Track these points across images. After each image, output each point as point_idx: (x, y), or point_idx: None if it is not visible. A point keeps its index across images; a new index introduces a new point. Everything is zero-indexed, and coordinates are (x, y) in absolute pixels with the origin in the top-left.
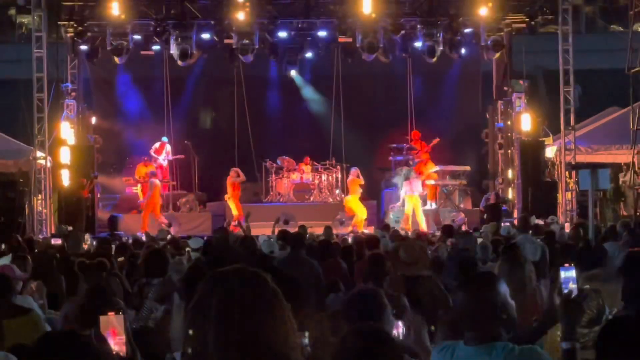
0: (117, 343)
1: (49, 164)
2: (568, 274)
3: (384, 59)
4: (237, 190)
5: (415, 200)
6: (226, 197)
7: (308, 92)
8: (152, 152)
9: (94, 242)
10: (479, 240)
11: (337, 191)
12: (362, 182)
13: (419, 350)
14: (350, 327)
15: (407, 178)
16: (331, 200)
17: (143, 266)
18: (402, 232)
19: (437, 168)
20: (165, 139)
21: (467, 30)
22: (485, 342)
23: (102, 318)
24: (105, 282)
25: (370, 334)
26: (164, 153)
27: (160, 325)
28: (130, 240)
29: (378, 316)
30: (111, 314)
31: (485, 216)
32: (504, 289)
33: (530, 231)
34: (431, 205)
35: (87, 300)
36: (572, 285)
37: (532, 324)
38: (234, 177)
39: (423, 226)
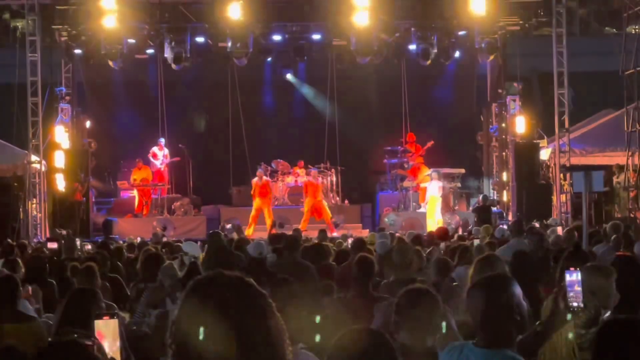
0: (111, 348)
1: (43, 168)
2: (573, 278)
3: (378, 62)
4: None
5: (431, 200)
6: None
7: (303, 95)
8: (149, 157)
9: (85, 247)
10: (476, 242)
11: (332, 194)
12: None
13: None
14: (348, 328)
15: (431, 179)
16: (326, 203)
17: (141, 270)
18: (397, 235)
19: (430, 171)
20: (162, 140)
21: (461, 33)
22: (496, 347)
23: (96, 322)
24: (101, 285)
25: (366, 336)
26: (161, 157)
27: (154, 329)
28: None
29: (431, 315)
30: (106, 317)
31: (475, 219)
32: (518, 290)
33: (525, 235)
34: (425, 208)
35: (70, 302)
36: (578, 289)
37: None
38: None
39: (428, 227)
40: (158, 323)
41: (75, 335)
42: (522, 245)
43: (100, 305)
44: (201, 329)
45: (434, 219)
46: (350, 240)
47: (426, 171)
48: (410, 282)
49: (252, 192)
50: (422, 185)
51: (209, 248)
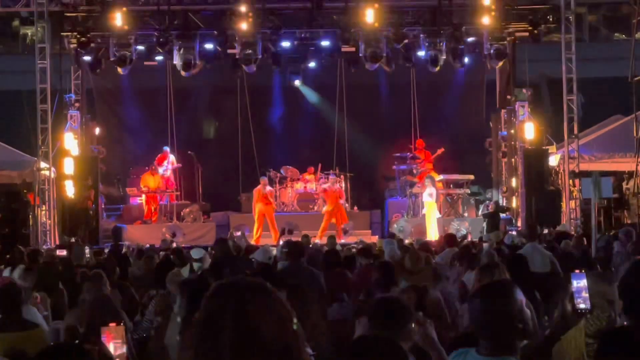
0: (118, 354)
1: (52, 175)
2: (580, 282)
3: (387, 69)
4: (261, 202)
5: (427, 206)
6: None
7: (312, 101)
8: (155, 164)
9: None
10: (485, 245)
11: (342, 201)
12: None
13: (428, 349)
14: (358, 335)
15: (425, 186)
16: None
17: (153, 277)
18: (407, 242)
19: (440, 177)
20: (166, 148)
21: (470, 39)
22: (498, 355)
23: (103, 329)
24: (110, 292)
25: (377, 343)
26: (166, 163)
27: (159, 335)
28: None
29: (403, 323)
30: (113, 324)
31: (484, 224)
32: (520, 297)
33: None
34: (436, 212)
35: (89, 311)
36: (585, 295)
37: None
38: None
39: (429, 234)
40: (162, 328)
41: (77, 341)
42: (537, 250)
43: (116, 311)
44: (221, 332)
45: (430, 225)
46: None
47: (436, 177)
48: (422, 289)
49: (254, 200)
50: None
51: (216, 255)
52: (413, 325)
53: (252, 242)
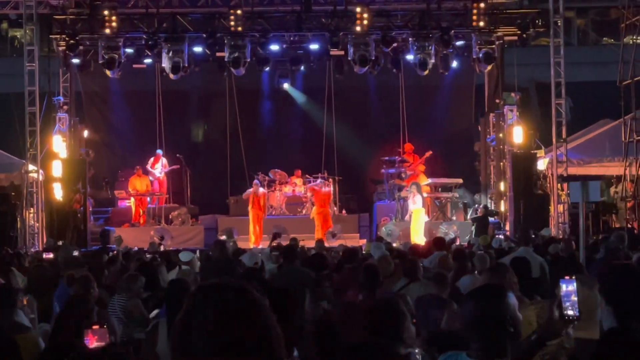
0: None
1: (41, 178)
2: (569, 288)
3: (376, 72)
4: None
5: (414, 213)
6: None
7: (300, 105)
8: (148, 167)
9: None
10: (479, 252)
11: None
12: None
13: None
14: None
15: (409, 193)
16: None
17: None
18: (395, 245)
19: (429, 181)
20: (159, 151)
21: (458, 43)
22: (489, 358)
23: (86, 330)
24: (99, 294)
25: (370, 350)
26: (160, 166)
27: (149, 341)
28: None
29: (398, 325)
30: (96, 326)
31: (472, 228)
32: (513, 301)
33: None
34: (424, 218)
35: (64, 311)
36: (574, 298)
37: None
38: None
39: (414, 239)
40: (151, 333)
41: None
42: (529, 255)
43: (92, 314)
44: (200, 334)
45: (417, 232)
46: None
47: (425, 181)
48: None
49: (250, 203)
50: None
51: (214, 257)
52: (409, 328)
53: (251, 245)
